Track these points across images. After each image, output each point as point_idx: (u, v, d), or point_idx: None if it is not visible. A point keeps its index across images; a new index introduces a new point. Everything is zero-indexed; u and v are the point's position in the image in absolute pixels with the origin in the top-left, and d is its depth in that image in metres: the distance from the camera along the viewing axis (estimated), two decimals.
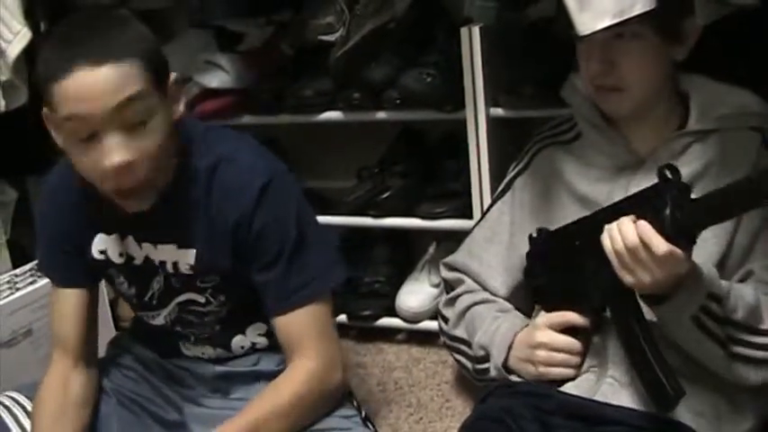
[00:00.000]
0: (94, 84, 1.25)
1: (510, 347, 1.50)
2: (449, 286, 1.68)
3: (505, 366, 1.51)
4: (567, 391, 1.43)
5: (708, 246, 1.39)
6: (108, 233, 1.51)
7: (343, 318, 2.15)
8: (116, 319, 2.22)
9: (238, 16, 2.28)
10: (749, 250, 1.40)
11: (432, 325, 2.13)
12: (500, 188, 1.64)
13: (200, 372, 1.61)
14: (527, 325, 1.52)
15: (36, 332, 1.93)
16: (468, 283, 1.62)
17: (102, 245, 1.52)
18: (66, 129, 1.30)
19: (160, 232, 1.46)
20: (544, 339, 1.45)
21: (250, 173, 1.43)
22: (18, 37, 2.06)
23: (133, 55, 1.28)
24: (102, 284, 2.07)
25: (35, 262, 2.08)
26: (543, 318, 1.48)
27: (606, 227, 1.28)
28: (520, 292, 1.60)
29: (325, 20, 2.02)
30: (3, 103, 2.14)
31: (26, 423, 1.50)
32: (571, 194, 1.51)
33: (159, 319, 1.56)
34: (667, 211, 1.22)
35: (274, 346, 1.55)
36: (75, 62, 1.25)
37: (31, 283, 1.96)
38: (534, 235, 1.52)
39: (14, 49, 2.06)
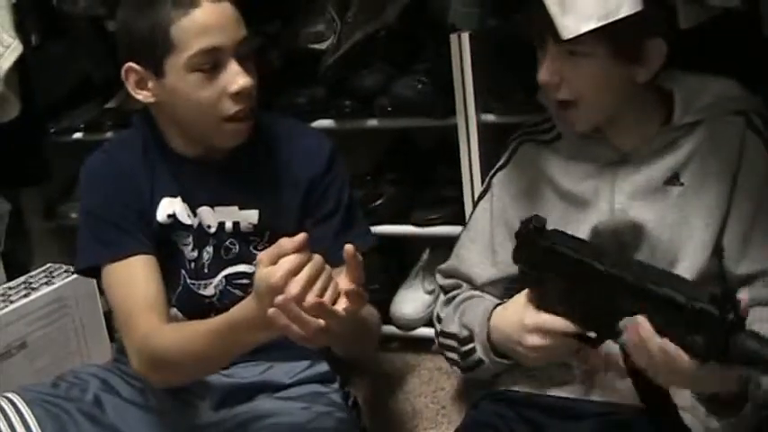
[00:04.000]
0: (223, 16, 1.45)
1: (488, 321, 1.44)
2: (445, 292, 1.67)
3: (491, 343, 1.45)
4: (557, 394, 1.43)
5: (699, 235, 1.40)
6: (173, 196, 1.58)
7: None
8: (111, 330, 2.22)
9: None
10: (748, 236, 1.39)
11: (426, 332, 2.13)
12: (482, 189, 1.64)
13: (208, 381, 1.61)
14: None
15: (31, 345, 1.93)
16: (465, 287, 1.61)
17: (169, 208, 1.58)
18: (191, 63, 1.44)
19: (221, 194, 1.57)
20: (536, 322, 1.34)
21: (321, 140, 1.64)
22: (9, 50, 2.07)
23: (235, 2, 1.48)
24: (98, 296, 2.09)
25: (29, 275, 2.08)
26: (535, 318, 1.35)
27: (639, 335, 1.18)
28: (505, 285, 1.57)
29: (316, 28, 2.03)
30: None
31: (18, 427, 1.46)
32: (555, 191, 1.51)
33: (209, 289, 1.61)
34: (701, 341, 1.14)
35: None
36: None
37: (25, 295, 1.96)
38: (532, 222, 1.37)
39: (6, 63, 2.08)
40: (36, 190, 2.51)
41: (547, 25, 1.31)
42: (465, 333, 1.51)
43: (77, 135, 2.37)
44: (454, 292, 1.61)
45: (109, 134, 2.27)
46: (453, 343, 1.55)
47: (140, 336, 1.46)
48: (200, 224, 1.58)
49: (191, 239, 1.59)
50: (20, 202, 2.51)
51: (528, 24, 1.42)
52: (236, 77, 1.45)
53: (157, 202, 1.57)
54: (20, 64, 2.10)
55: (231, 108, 1.47)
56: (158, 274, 1.54)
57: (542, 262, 1.35)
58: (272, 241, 1.56)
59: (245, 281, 1.59)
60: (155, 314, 1.48)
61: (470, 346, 1.50)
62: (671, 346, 1.15)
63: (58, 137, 2.39)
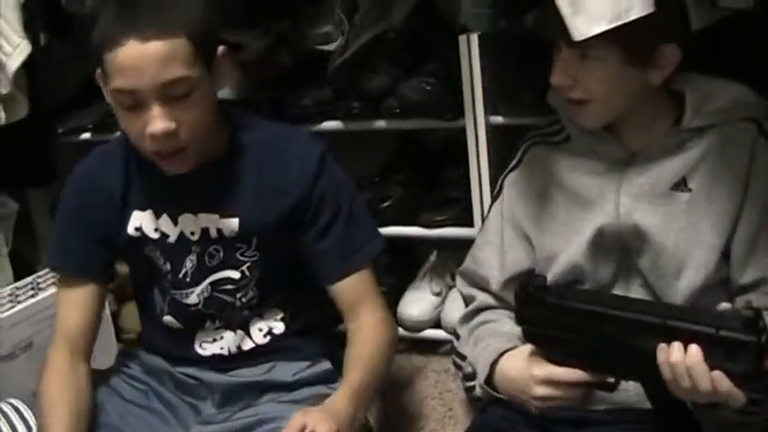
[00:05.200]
0: (143, 59, 1.36)
1: (494, 364, 1.44)
2: (464, 301, 1.65)
3: (490, 385, 1.45)
4: None
5: (708, 240, 1.39)
6: (142, 209, 1.58)
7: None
8: (118, 331, 2.22)
9: (236, 27, 2.27)
10: (754, 243, 1.39)
11: (434, 334, 2.13)
12: (495, 191, 1.63)
13: (211, 381, 1.62)
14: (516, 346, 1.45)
15: (36, 345, 1.93)
16: (480, 298, 1.59)
17: (136, 221, 1.58)
18: (114, 97, 1.42)
19: (203, 201, 1.55)
20: (546, 373, 1.34)
21: (308, 146, 1.58)
22: (18, 50, 2.07)
23: (182, 33, 1.38)
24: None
25: (36, 275, 2.08)
26: (546, 370, 1.35)
27: (672, 360, 1.19)
28: (514, 286, 1.57)
29: (324, 29, 2.02)
30: (3, 115, 2.14)
31: (22, 431, 1.51)
32: (562, 191, 1.50)
33: (192, 298, 1.60)
34: (737, 368, 1.15)
35: (291, 333, 1.63)
36: (126, 35, 1.36)
37: (32, 296, 1.96)
38: (532, 283, 1.38)
39: (14, 63, 2.07)
40: (43, 190, 2.51)
41: (559, 29, 1.31)
42: (469, 369, 1.51)
43: (85, 135, 2.36)
44: (471, 308, 1.60)
45: (117, 135, 2.26)
46: (461, 364, 1.56)
47: (48, 359, 1.57)
48: (181, 233, 1.57)
49: (158, 253, 1.59)
50: (27, 203, 2.52)
51: (541, 27, 1.42)
52: (152, 120, 1.39)
53: (129, 216, 1.58)
54: (28, 64, 2.10)
55: (151, 147, 1.43)
56: (95, 306, 1.61)
57: (548, 319, 1.34)
58: (259, 248, 1.57)
59: (230, 286, 1.59)
60: (67, 349, 1.57)
61: (471, 383, 1.50)
62: (725, 381, 1.16)
63: (66, 137, 2.38)
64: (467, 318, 1.59)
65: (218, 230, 1.56)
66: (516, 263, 1.54)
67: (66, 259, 1.61)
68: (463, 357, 1.55)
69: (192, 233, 1.57)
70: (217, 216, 1.55)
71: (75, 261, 1.60)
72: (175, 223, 1.57)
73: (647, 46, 1.35)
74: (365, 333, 1.56)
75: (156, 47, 1.36)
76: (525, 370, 1.37)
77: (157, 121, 1.39)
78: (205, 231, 1.56)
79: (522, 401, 1.39)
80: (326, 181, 1.56)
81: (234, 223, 1.54)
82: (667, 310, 1.27)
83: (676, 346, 1.19)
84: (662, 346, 1.20)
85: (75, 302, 1.59)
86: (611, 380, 1.32)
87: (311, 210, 1.55)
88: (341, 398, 1.43)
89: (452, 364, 1.62)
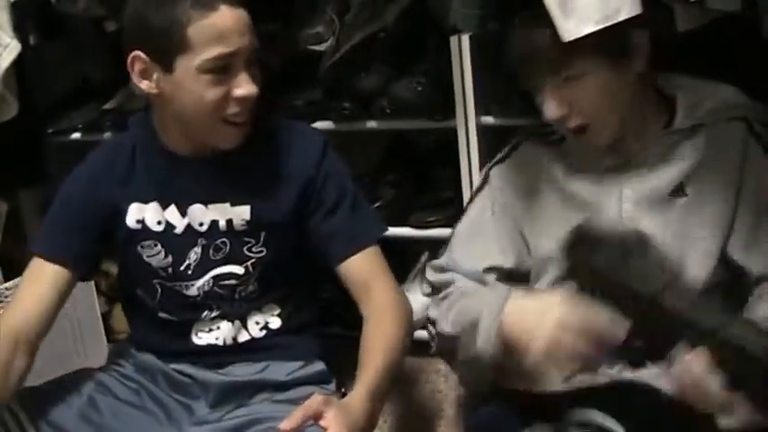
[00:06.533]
0: (239, 22, 1.46)
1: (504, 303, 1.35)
2: (436, 289, 1.60)
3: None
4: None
5: (703, 244, 1.40)
6: (145, 202, 1.58)
7: (337, 329, 2.14)
8: (108, 332, 2.22)
9: None
10: (752, 241, 1.40)
11: (424, 334, 2.11)
12: (478, 183, 1.62)
13: (205, 379, 1.62)
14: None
15: None
16: (459, 282, 1.54)
17: (138, 214, 1.59)
18: (203, 66, 1.44)
19: (214, 191, 1.57)
20: (584, 320, 1.24)
21: (311, 134, 1.65)
22: (7, 50, 2.07)
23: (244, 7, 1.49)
24: (95, 297, 2.09)
25: None
26: (585, 315, 1.26)
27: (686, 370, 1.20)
28: (495, 274, 1.54)
29: (315, 30, 2.02)
30: None
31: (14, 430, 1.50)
32: (557, 192, 1.50)
33: (192, 290, 1.61)
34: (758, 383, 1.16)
35: (286, 330, 1.63)
36: (217, 1, 1.43)
37: None
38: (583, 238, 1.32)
39: (4, 63, 2.07)
40: (34, 190, 2.51)
41: (544, 59, 1.34)
42: (468, 329, 1.42)
43: (75, 136, 2.37)
44: (445, 292, 1.55)
45: (107, 135, 2.27)
46: (451, 343, 1.50)
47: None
48: (188, 224, 1.58)
49: (159, 247, 1.59)
50: (17, 203, 2.51)
51: (525, 70, 1.43)
52: (243, 84, 1.47)
53: (126, 208, 1.59)
54: (18, 64, 2.10)
55: (232, 110, 1.48)
56: (57, 299, 1.57)
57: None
58: (266, 243, 1.58)
59: (232, 281, 1.60)
60: (12, 338, 1.51)
61: (450, 344, 1.46)
62: (736, 394, 1.16)
63: (56, 137, 2.38)
64: (439, 301, 1.53)
65: (228, 222, 1.57)
66: (488, 255, 1.53)
67: (47, 241, 1.60)
68: (445, 337, 1.49)
69: (201, 224, 1.58)
70: (228, 204, 1.57)
71: (53, 245, 1.59)
72: (183, 214, 1.58)
73: (621, 40, 1.36)
74: (378, 319, 1.55)
75: (243, 13, 1.47)
76: (547, 304, 1.29)
77: (248, 85, 1.47)
78: (214, 223, 1.57)
79: (523, 346, 1.29)
80: (330, 166, 1.60)
81: (245, 211, 1.56)
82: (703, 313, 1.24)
83: (693, 357, 1.19)
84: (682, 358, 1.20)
85: (39, 290, 1.56)
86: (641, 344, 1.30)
87: (317, 192, 1.58)
88: (358, 401, 1.41)
89: (437, 350, 1.57)
